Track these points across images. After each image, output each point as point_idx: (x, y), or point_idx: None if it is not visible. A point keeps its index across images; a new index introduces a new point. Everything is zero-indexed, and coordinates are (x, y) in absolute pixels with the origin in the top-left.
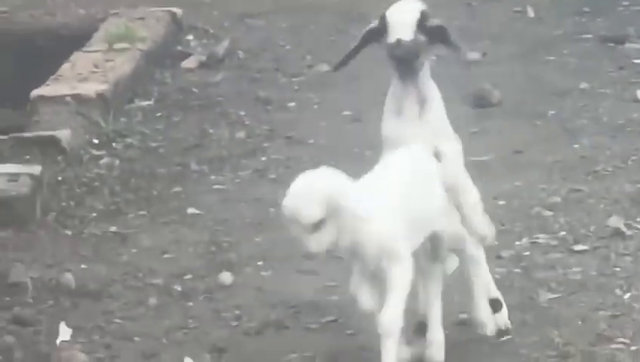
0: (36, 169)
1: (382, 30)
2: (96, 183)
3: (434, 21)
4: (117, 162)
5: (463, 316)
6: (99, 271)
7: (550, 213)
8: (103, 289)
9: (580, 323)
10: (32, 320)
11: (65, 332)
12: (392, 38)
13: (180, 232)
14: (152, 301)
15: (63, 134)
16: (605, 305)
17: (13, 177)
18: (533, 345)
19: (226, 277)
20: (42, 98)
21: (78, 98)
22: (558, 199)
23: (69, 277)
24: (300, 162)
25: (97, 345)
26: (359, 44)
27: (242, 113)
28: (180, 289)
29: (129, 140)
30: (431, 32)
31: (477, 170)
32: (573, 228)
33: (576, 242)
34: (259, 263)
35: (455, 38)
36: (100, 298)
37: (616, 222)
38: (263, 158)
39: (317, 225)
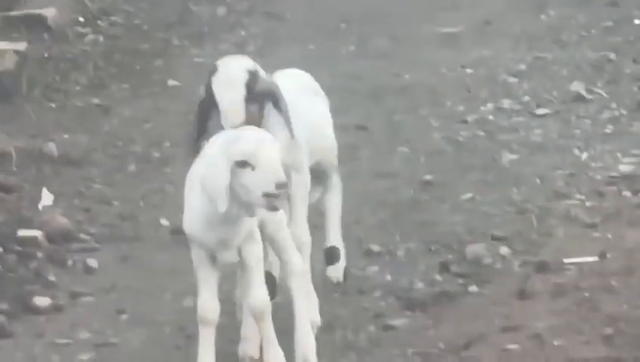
0: (21, 45)
1: (212, 103)
2: (81, 59)
3: (263, 81)
4: (101, 39)
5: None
6: (81, 140)
7: (515, 80)
8: (85, 157)
9: (538, 181)
10: (15, 186)
11: (47, 198)
12: (224, 121)
13: (160, 103)
14: (131, 167)
15: (49, 12)
16: (563, 165)
17: None
18: (493, 202)
19: (204, 144)
20: None
21: None
22: (523, 66)
23: (51, 147)
24: (278, 36)
25: (77, 209)
26: (198, 122)
27: None
28: (158, 155)
29: (114, 18)
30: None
31: (447, 40)
32: (537, 93)
33: (539, 106)
34: None
35: (284, 104)
36: (81, 165)
37: (577, 87)
38: (243, 33)
39: None
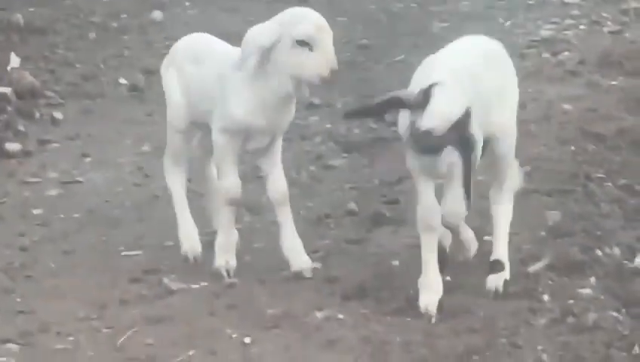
0: None
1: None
2: None
3: None
4: None
5: None
6: (45, 12)
7: None
8: (49, 26)
9: None
10: None
11: (14, 61)
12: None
13: None
14: (92, 35)
15: None
16: (488, 31)
17: None
18: None
19: (157, 15)
20: None
21: None
22: None
23: (18, 17)
24: None
25: (43, 71)
26: (379, 107)
27: None
28: (116, 25)
29: None
30: None
31: None
32: None
33: None
34: (187, 3)
35: None
36: (46, 33)
37: None
38: None
39: None
